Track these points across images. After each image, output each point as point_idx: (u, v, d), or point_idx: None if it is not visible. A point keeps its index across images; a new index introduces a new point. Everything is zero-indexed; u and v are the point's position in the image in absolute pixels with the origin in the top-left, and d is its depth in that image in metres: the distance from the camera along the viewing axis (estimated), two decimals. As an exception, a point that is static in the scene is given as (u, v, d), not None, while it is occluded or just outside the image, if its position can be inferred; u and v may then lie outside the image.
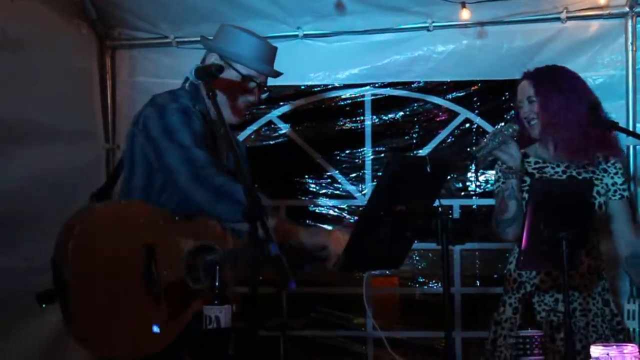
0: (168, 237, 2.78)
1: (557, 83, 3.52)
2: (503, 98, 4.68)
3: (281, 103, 4.79)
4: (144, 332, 2.70)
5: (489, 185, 4.55)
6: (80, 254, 2.64)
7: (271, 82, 4.68)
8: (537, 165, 3.51)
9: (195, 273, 2.81)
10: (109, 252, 2.67)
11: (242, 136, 4.78)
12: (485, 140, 3.33)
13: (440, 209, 2.67)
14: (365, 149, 4.75)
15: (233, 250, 2.86)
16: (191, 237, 2.82)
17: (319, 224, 4.69)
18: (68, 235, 2.65)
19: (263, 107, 4.75)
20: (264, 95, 3.18)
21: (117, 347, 2.69)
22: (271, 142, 4.85)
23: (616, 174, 3.51)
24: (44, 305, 2.68)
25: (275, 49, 3.31)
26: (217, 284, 2.71)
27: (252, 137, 4.83)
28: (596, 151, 3.48)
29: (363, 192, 4.73)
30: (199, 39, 3.60)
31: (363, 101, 4.73)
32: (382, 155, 4.74)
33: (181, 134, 2.90)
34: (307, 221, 4.77)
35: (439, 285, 4.74)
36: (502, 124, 4.37)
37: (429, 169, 2.66)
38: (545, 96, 3.50)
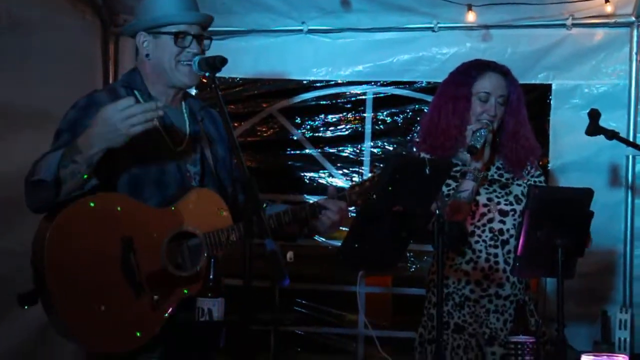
0: (146, 227, 2.74)
1: (521, 91, 3.44)
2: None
3: (283, 97, 4.78)
4: (128, 323, 2.68)
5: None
6: (56, 250, 2.61)
7: (274, 75, 4.75)
8: (459, 168, 3.35)
9: (177, 260, 2.79)
10: (87, 246, 2.64)
11: (242, 129, 4.78)
12: (475, 132, 3.26)
13: (437, 211, 2.66)
14: (364, 146, 4.74)
15: (214, 233, 2.82)
16: (171, 225, 2.78)
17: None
18: (43, 232, 2.62)
19: (265, 100, 4.76)
20: (206, 42, 2.97)
21: (103, 340, 2.67)
22: (270, 136, 4.84)
23: (539, 176, 3.47)
24: (26, 307, 2.67)
25: None
26: (211, 276, 2.71)
27: (252, 130, 4.82)
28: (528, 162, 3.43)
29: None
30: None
31: (364, 99, 4.73)
32: (381, 153, 4.73)
33: (62, 131, 2.83)
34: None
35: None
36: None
37: (428, 171, 2.65)
38: (518, 102, 3.41)
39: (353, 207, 3.16)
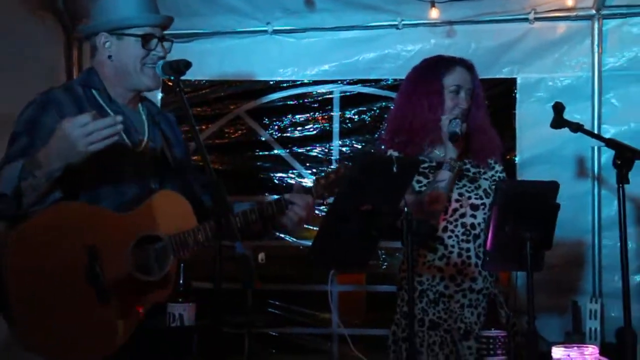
0: (110, 234, 2.70)
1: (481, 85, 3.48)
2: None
3: (249, 98, 4.76)
4: (97, 334, 2.65)
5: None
6: (17, 263, 2.57)
7: (241, 77, 4.73)
8: (427, 165, 3.38)
9: (144, 265, 2.75)
10: (49, 257, 2.60)
11: (209, 131, 4.76)
12: (452, 120, 3.27)
13: (406, 208, 2.67)
14: (333, 145, 4.74)
15: (179, 235, 2.79)
16: (135, 230, 2.74)
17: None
18: (2, 245, 2.59)
19: (231, 102, 4.74)
20: (167, 45, 2.95)
21: (72, 352, 2.63)
22: (238, 138, 4.82)
23: (502, 171, 3.50)
24: None
25: None
26: (181, 281, 2.69)
27: (220, 132, 4.80)
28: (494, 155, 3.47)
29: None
30: (165, 32, 3.55)
31: (332, 98, 4.73)
32: (350, 152, 4.74)
33: (19, 133, 2.77)
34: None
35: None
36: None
37: (395, 169, 2.66)
38: (481, 97, 3.45)
39: (322, 206, 3.15)
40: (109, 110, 2.87)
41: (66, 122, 2.52)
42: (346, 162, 3.45)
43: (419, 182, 3.32)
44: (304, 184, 3.17)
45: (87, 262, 2.60)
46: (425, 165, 3.35)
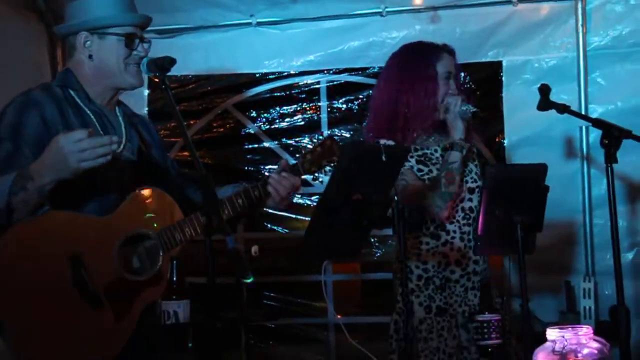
0: (94, 238, 2.67)
1: None
2: (457, 81, 4.70)
3: (236, 91, 4.76)
4: (96, 340, 2.63)
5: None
6: (2, 283, 2.54)
7: (226, 70, 4.72)
8: (421, 153, 3.37)
9: (133, 265, 2.73)
10: (35, 268, 2.57)
11: (197, 126, 4.75)
12: (461, 102, 3.26)
13: (396, 197, 2.68)
14: (322, 135, 4.74)
15: (166, 230, 2.76)
16: (120, 231, 2.71)
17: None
18: None
19: (218, 96, 4.74)
20: (146, 45, 2.90)
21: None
22: (227, 132, 4.82)
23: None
24: None
25: None
26: (174, 278, 2.69)
27: (208, 126, 4.79)
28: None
29: (320, 180, 4.72)
30: (150, 28, 3.53)
31: (318, 88, 4.72)
32: (339, 141, 4.73)
33: (3, 139, 2.71)
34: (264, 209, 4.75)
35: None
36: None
37: (384, 158, 2.66)
38: (459, 81, 3.46)
39: (311, 178, 3.12)
40: (88, 111, 2.85)
41: (61, 136, 2.50)
42: (331, 135, 3.44)
43: (420, 170, 3.31)
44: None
45: (73, 272, 2.58)
46: (420, 153, 3.34)
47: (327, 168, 3.02)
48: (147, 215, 2.77)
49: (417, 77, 3.35)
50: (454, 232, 3.30)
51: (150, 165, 3.00)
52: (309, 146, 4.74)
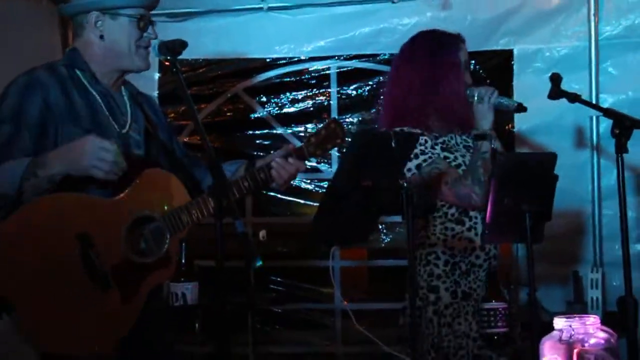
0: (102, 220, 2.68)
1: None
2: (468, 69, 4.68)
3: (247, 76, 4.76)
4: (105, 321, 2.65)
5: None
6: (11, 263, 2.56)
7: (237, 55, 4.72)
8: (442, 140, 3.37)
9: (140, 248, 2.74)
10: (43, 253, 2.59)
11: (207, 110, 4.76)
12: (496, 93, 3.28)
13: (405, 183, 2.68)
14: (326, 118, 4.73)
15: (173, 212, 2.77)
16: (127, 213, 2.72)
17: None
18: None
19: (229, 80, 4.74)
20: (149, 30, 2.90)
21: (83, 343, 2.63)
22: (236, 116, 4.82)
23: None
24: None
25: None
26: (183, 260, 2.70)
27: (218, 110, 4.79)
28: None
29: (329, 164, 4.73)
30: (161, 11, 3.55)
31: (329, 74, 4.71)
32: (349, 128, 4.73)
33: (3, 121, 2.72)
34: (273, 194, 4.77)
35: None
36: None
37: (393, 144, 2.66)
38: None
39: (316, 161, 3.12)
40: (94, 92, 2.86)
41: (93, 136, 2.60)
42: (335, 118, 3.44)
43: (446, 158, 3.31)
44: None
45: (80, 250, 2.60)
46: (441, 140, 3.34)
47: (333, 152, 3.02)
48: (154, 196, 2.77)
49: (450, 65, 3.34)
50: (476, 217, 3.31)
51: (157, 145, 3.01)
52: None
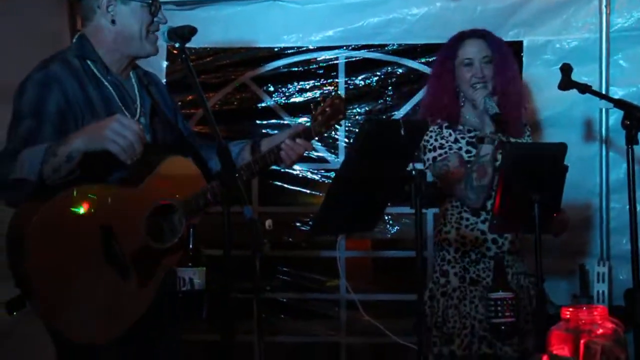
0: (123, 210, 2.71)
1: (508, 49, 3.60)
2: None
3: (254, 65, 4.74)
4: (122, 307, 2.69)
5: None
6: (38, 254, 2.57)
7: (245, 44, 4.70)
8: (473, 134, 3.47)
9: (158, 234, 2.76)
10: (67, 243, 2.61)
11: (215, 98, 4.75)
12: (485, 100, 3.35)
13: (413, 172, 2.67)
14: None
15: (191, 199, 2.80)
16: (149, 201, 2.75)
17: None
18: (20, 237, 2.57)
19: (236, 69, 4.73)
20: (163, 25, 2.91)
21: (98, 331, 2.67)
22: (244, 105, 4.81)
23: (529, 136, 3.66)
24: (14, 313, 2.62)
25: None
26: (191, 245, 2.70)
27: (225, 99, 4.78)
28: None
29: (336, 154, 4.72)
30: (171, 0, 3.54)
31: (337, 64, 4.69)
32: (356, 118, 4.72)
33: (24, 116, 2.73)
34: (280, 184, 4.76)
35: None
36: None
37: (402, 133, 2.66)
38: (504, 60, 3.51)
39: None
40: (106, 82, 2.87)
41: (120, 116, 2.62)
42: (338, 93, 3.48)
43: (468, 152, 3.42)
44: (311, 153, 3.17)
45: (103, 243, 2.62)
46: (472, 135, 3.46)
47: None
48: (174, 184, 2.81)
49: (439, 62, 3.58)
50: (491, 210, 3.33)
51: (163, 125, 3.02)
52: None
